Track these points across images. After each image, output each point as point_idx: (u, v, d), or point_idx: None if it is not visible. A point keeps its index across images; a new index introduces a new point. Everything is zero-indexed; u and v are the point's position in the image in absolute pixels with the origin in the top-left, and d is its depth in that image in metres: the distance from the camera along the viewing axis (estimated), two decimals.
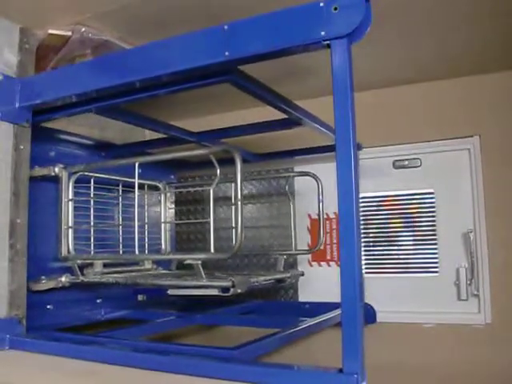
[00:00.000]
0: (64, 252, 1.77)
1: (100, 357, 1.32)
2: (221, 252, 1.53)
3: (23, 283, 1.55)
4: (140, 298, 2.35)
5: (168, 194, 2.42)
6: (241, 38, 1.19)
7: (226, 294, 1.45)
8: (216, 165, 1.45)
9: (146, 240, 2.11)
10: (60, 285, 1.79)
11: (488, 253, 2.15)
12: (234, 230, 2.01)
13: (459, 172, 2.25)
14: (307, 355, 2.23)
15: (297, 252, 2.28)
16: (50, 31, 1.72)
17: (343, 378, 1.01)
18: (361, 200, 2.34)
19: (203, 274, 1.49)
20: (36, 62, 1.73)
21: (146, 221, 2.19)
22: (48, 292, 1.78)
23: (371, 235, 2.34)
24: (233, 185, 2.16)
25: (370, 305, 2.23)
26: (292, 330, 1.62)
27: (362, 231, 2.32)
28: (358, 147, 2.25)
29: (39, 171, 1.77)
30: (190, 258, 1.50)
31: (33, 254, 1.75)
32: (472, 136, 2.22)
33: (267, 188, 2.60)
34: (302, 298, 2.48)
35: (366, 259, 2.36)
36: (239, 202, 1.40)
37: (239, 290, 1.46)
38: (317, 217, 2.17)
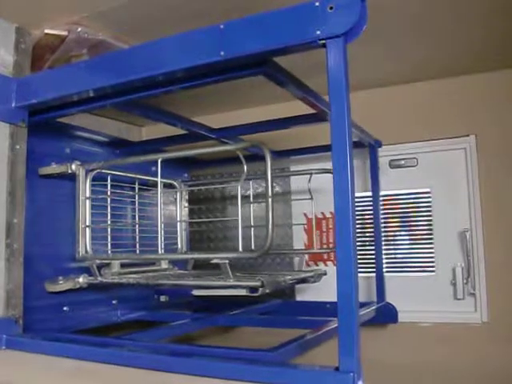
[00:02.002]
0: (82, 252, 1.71)
1: (101, 357, 1.31)
2: (250, 251, 1.49)
3: (20, 283, 1.55)
4: (163, 298, 2.30)
5: (183, 193, 2.37)
6: (236, 37, 1.19)
7: (255, 294, 1.41)
8: (243, 161, 1.43)
9: (163, 239, 2.04)
10: (78, 286, 1.74)
11: (484, 252, 2.15)
12: (252, 229, 2.01)
13: (455, 171, 2.25)
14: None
15: (317, 250, 2.24)
16: (46, 31, 1.72)
17: (339, 377, 1.01)
18: (359, 199, 2.34)
19: (231, 273, 1.45)
20: (32, 62, 1.73)
21: (163, 220, 2.14)
22: (64, 293, 1.75)
23: (367, 234, 2.34)
24: (251, 182, 2.17)
25: (391, 304, 2.18)
26: (326, 329, 1.53)
27: (382, 229, 2.29)
28: (378, 144, 2.25)
29: (56, 168, 1.73)
30: (217, 258, 1.46)
31: (47, 254, 1.75)
32: (468, 135, 2.23)
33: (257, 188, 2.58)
34: (298, 298, 2.48)
35: (386, 258, 2.31)
36: (270, 199, 1.36)
37: (267, 290, 1.41)
38: (312, 216, 2.17)
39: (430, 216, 2.28)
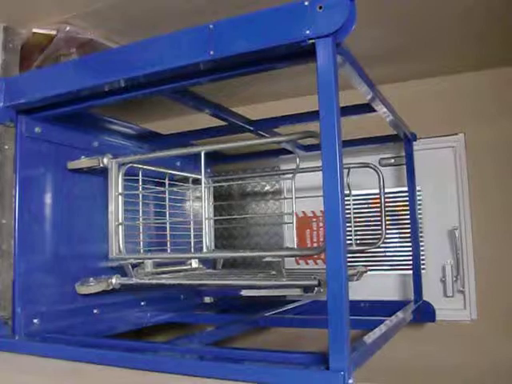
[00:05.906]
0: (115, 251, 1.58)
1: (94, 359, 1.29)
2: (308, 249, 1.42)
3: (9, 284, 1.54)
4: (207, 300, 2.20)
5: (211, 189, 2.26)
6: (226, 37, 1.18)
7: (310, 294, 1.34)
8: (295, 152, 1.39)
9: (193, 237, 1.97)
10: (111, 287, 1.62)
11: (473, 249, 2.18)
12: (285, 226, 1.88)
13: (444, 170, 2.27)
14: None
15: (357, 248, 2.15)
16: (35, 30, 1.71)
17: (329, 376, 1.01)
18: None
19: (284, 272, 1.38)
20: (20, 62, 1.72)
21: (192, 217, 2.04)
22: (93, 295, 1.65)
23: (358, 233, 2.34)
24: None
25: (428, 302, 2.13)
26: (385, 330, 1.44)
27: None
28: (414, 137, 2.21)
29: (86, 162, 1.64)
30: (271, 255, 1.38)
31: (75, 254, 1.68)
32: (457, 134, 2.24)
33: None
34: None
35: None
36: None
37: (322, 290, 1.32)
38: (303, 215, 2.18)
39: (419, 214, 2.29)
